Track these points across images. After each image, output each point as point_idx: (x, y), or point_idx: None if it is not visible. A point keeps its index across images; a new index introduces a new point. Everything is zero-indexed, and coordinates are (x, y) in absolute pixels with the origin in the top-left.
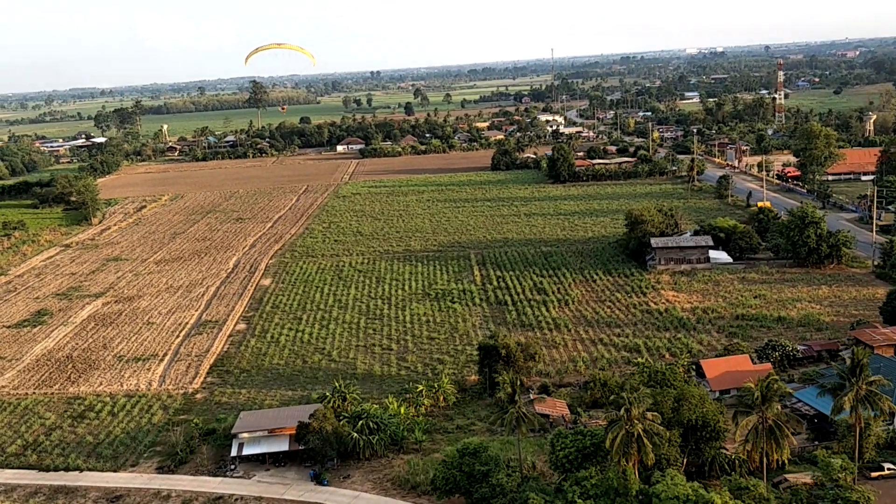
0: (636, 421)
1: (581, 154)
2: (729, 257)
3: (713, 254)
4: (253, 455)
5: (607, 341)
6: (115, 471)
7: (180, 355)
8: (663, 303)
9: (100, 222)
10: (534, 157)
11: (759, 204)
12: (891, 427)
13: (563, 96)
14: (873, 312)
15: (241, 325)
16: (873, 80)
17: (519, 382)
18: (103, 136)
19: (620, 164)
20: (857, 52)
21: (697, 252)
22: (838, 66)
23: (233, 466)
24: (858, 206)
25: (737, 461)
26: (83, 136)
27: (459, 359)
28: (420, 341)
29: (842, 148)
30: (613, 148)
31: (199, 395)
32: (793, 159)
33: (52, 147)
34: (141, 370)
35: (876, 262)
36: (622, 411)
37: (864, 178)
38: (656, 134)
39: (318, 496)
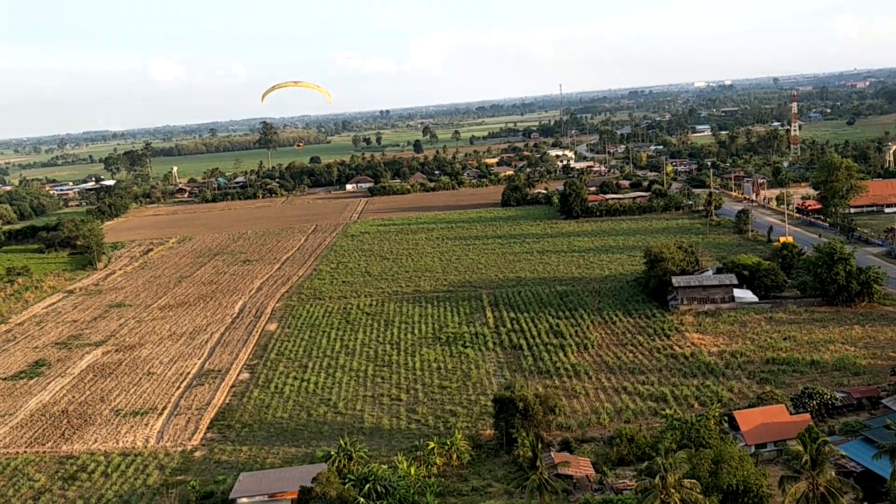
0: (672, 490)
1: (593, 189)
2: (754, 296)
3: (737, 292)
4: None
5: (631, 389)
6: None
7: (180, 408)
8: (688, 346)
9: (105, 266)
10: (545, 192)
11: (782, 239)
12: None
13: (573, 131)
14: None
15: (245, 375)
16: (886, 110)
17: (539, 441)
18: (113, 178)
19: (634, 198)
20: (867, 83)
21: (721, 291)
22: (849, 96)
23: None
24: (885, 239)
25: None
26: (93, 178)
27: (473, 410)
28: (431, 390)
29: (862, 180)
30: (626, 182)
31: (197, 453)
32: (812, 192)
33: (61, 190)
34: (138, 425)
35: None
36: (657, 479)
37: (887, 210)
38: (670, 167)
39: None
